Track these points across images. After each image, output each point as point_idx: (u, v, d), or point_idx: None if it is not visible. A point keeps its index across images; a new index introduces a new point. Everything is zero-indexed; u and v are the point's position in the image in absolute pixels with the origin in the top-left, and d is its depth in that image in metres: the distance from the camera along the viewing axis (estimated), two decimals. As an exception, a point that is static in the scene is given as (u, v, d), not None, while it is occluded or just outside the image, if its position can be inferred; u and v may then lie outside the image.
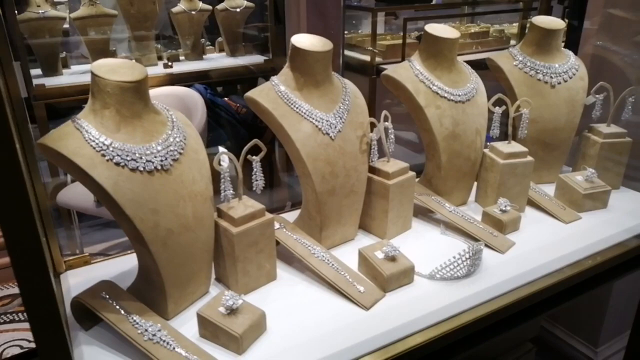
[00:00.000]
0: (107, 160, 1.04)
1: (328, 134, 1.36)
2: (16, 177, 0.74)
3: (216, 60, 3.64)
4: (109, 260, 1.48)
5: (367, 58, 2.99)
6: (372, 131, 1.45)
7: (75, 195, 2.75)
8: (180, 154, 1.16)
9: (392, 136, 1.49)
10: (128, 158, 1.06)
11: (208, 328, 1.12)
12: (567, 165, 1.95)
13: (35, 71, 3.01)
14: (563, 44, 1.95)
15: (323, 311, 1.23)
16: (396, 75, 1.58)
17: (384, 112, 1.47)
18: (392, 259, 1.31)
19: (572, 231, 1.59)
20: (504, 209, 1.56)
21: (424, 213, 1.67)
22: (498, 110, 1.60)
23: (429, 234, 1.57)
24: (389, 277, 1.28)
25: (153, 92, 1.16)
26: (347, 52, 3.14)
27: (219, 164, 1.20)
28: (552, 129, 1.78)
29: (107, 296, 1.14)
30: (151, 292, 1.19)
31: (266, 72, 3.46)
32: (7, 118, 0.72)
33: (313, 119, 1.34)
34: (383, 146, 1.48)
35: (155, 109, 1.17)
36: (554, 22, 1.76)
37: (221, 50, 3.79)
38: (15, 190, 0.75)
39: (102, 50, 3.14)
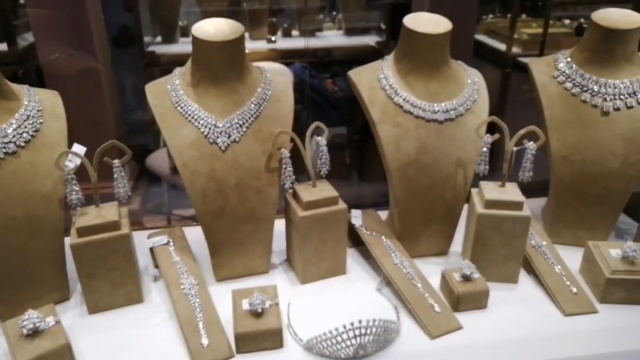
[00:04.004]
0: None
1: (216, 143, 1.10)
2: None
3: (327, 38, 3.50)
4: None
5: (503, 47, 2.49)
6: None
7: (157, 161, 2.82)
8: (20, 147, 1.03)
9: (325, 155, 1.16)
10: (-62, 146, 0.97)
11: (7, 344, 1.00)
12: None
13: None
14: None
15: (151, 355, 1.02)
16: (356, 77, 1.22)
17: (316, 123, 1.15)
18: (256, 313, 1.02)
19: (570, 329, 1.07)
20: (467, 274, 1.13)
21: (379, 256, 1.30)
22: (488, 139, 1.14)
23: (364, 288, 1.21)
24: (242, 335, 1.00)
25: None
26: (482, 39, 2.66)
27: (64, 164, 1.04)
28: (597, 173, 1.23)
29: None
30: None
31: (367, 56, 3.19)
32: None
33: (199, 123, 1.10)
34: (307, 167, 1.16)
35: (11, 93, 1.06)
36: (623, 19, 1.19)
37: (340, 28, 3.65)
38: None
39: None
